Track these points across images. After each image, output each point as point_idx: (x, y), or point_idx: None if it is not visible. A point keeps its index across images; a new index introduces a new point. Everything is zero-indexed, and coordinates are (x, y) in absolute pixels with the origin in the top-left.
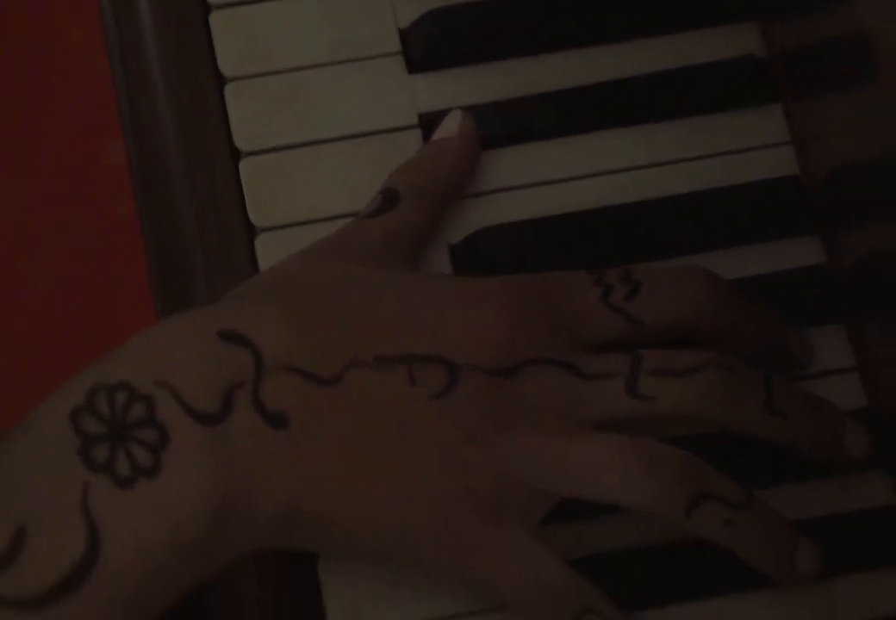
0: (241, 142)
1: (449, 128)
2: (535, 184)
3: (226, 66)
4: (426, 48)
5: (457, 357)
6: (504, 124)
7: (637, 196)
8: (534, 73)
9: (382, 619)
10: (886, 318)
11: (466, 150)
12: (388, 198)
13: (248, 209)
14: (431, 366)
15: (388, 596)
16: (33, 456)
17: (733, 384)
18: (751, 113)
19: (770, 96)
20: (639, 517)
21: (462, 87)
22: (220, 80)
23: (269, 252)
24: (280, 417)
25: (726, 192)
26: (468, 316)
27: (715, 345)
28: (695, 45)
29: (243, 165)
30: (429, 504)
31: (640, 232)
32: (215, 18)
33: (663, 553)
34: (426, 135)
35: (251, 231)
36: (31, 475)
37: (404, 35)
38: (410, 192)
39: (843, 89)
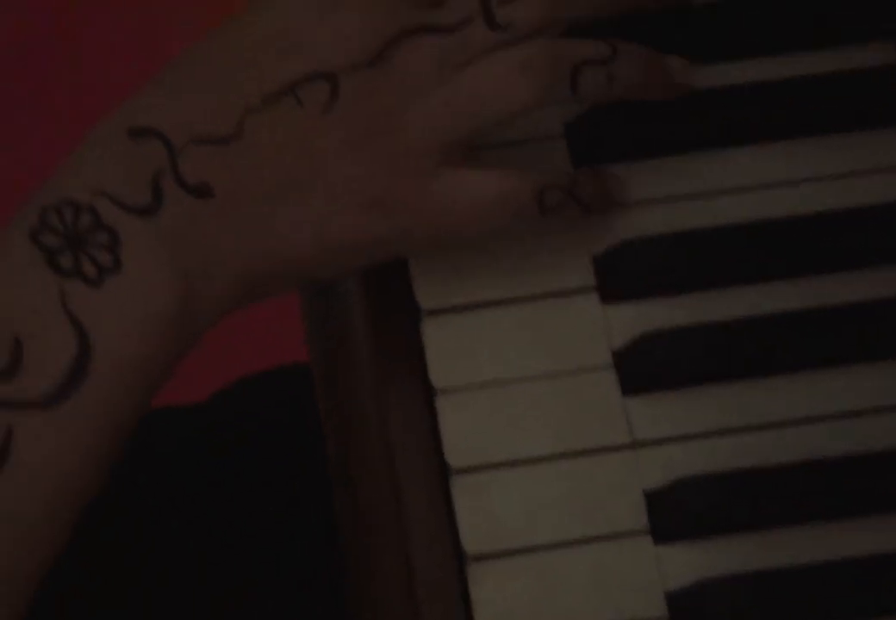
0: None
1: None
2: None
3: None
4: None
5: (330, 64)
6: None
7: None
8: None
9: None
10: None
11: None
12: None
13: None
14: (312, 85)
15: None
16: (10, 277)
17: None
18: None
19: None
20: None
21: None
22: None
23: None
24: (203, 187)
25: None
26: (327, 19)
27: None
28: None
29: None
30: (368, 195)
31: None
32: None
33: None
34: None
35: None
36: (12, 294)
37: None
38: None
39: None
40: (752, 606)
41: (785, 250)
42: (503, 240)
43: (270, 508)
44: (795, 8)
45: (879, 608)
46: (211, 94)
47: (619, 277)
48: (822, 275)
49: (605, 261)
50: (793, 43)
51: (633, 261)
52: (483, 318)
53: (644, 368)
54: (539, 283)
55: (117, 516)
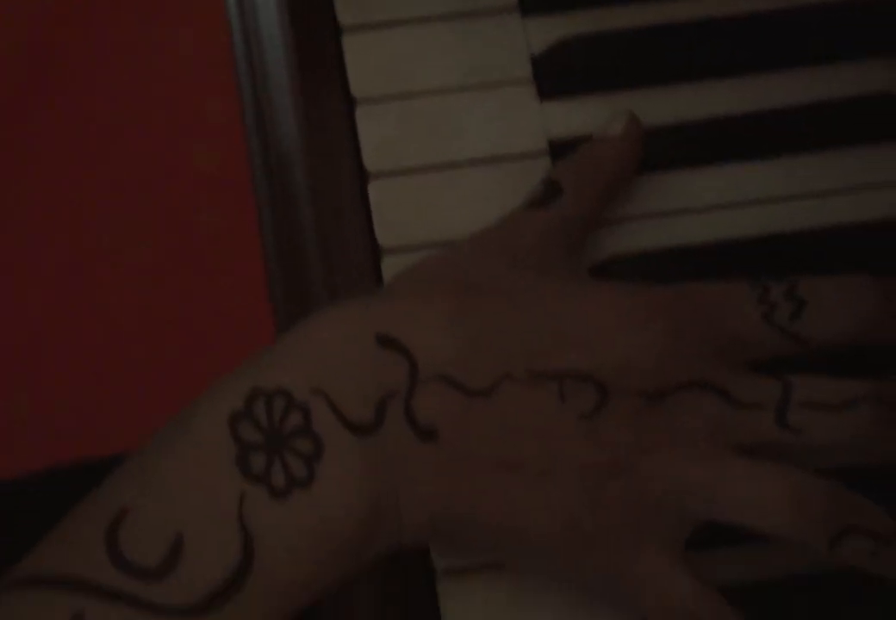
0: (370, 164)
1: (614, 127)
2: (667, 212)
3: (357, 89)
4: (558, 76)
5: (610, 377)
6: None
7: (775, 228)
8: (666, 103)
9: None
10: None
11: (630, 149)
12: (550, 189)
13: (376, 230)
14: (582, 385)
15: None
16: (192, 461)
17: (887, 422)
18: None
19: None
20: (775, 547)
21: (593, 116)
22: (351, 102)
23: (396, 272)
24: (430, 431)
25: (865, 227)
26: (626, 334)
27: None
28: (833, 79)
29: (372, 187)
30: (571, 525)
31: (774, 266)
32: (348, 42)
33: (798, 585)
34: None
35: (377, 253)
36: (189, 481)
37: (537, 62)
38: (573, 186)
39: None
40: None
41: None
42: None
43: None
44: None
45: None
46: (478, 343)
47: None
48: None
49: None
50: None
51: None
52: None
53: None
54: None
55: None
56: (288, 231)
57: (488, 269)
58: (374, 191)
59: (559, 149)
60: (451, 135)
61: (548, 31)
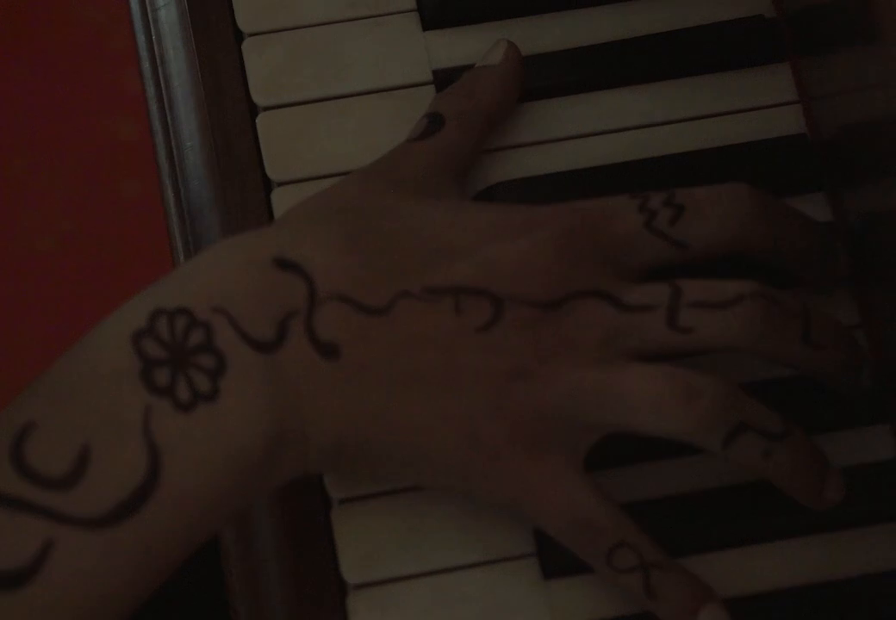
0: (258, 97)
1: (494, 56)
2: (548, 140)
3: (243, 22)
4: (440, 5)
5: (503, 288)
6: None
7: (649, 152)
8: (547, 32)
9: (397, 568)
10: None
11: (510, 77)
12: (433, 122)
13: (265, 163)
14: (477, 299)
15: (403, 544)
16: (96, 377)
17: (772, 317)
18: (761, 72)
19: (779, 56)
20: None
21: (476, 45)
22: (238, 36)
23: (286, 206)
24: (331, 347)
25: (735, 150)
26: (516, 247)
27: (760, 259)
28: (706, 3)
29: (260, 120)
30: (474, 436)
31: (650, 188)
32: None
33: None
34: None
35: (268, 185)
36: (94, 395)
37: None
38: (455, 116)
39: (847, 49)
40: None
41: None
42: None
43: None
44: None
45: None
46: (373, 262)
47: None
48: None
49: None
50: None
51: None
52: None
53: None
54: None
55: None
56: (179, 165)
57: (377, 197)
58: (263, 124)
59: (443, 79)
60: (337, 67)
61: None
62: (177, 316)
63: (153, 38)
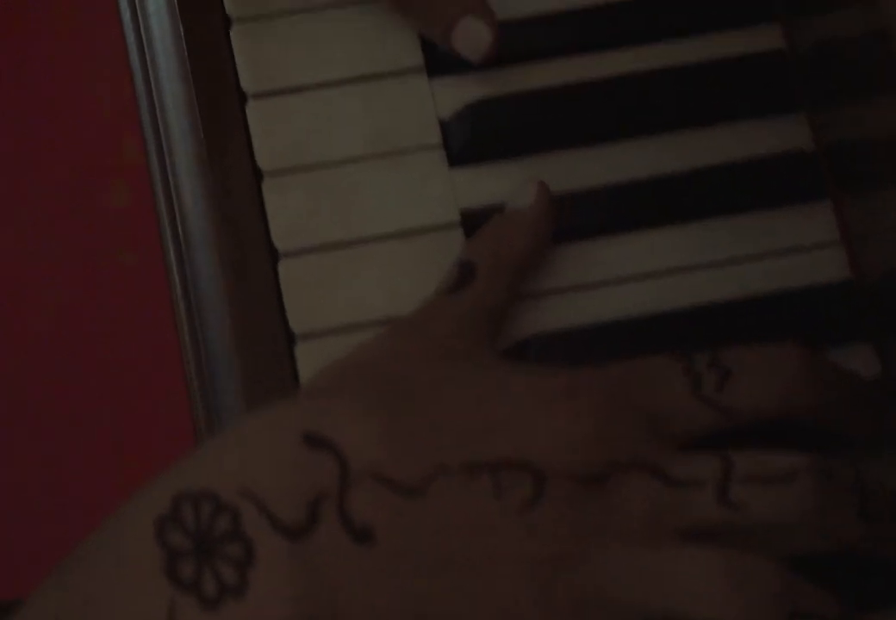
0: (279, 242)
1: (523, 198)
2: (583, 285)
3: (263, 160)
4: (468, 141)
5: (544, 462)
6: None
7: (689, 298)
8: (579, 168)
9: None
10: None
11: (542, 221)
12: (465, 272)
13: (288, 314)
14: (517, 475)
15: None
16: (118, 568)
17: (828, 493)
18: (802, 210)
19: (819, 193)
20: None
21: (506, 182)
22: (258, 175)
23: (311, 360)
24: (365, 532)
25: (777, 298)
26: (555, 416)
27: (808, 420)
28: (746, 137)
29: (282, 267)
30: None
31: (693, 339)
32: (253, 109)
33: None
34: (468, 234)
35: (291, 338)
36: (115, 594)
37: (445, 127)
38: (487, 265)
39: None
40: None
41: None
42: None
43: None
44: None
45: None
46: (407, 435)
47: None
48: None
49: None
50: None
51: None
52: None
53: None
54: None
55: None
56: (200, 316)
57: (408, 362)
58: (285, 271)
59: (472, 219)
60: (359, 208)
61: (456, 93)
62: (202, 501)
63: (168, 183)
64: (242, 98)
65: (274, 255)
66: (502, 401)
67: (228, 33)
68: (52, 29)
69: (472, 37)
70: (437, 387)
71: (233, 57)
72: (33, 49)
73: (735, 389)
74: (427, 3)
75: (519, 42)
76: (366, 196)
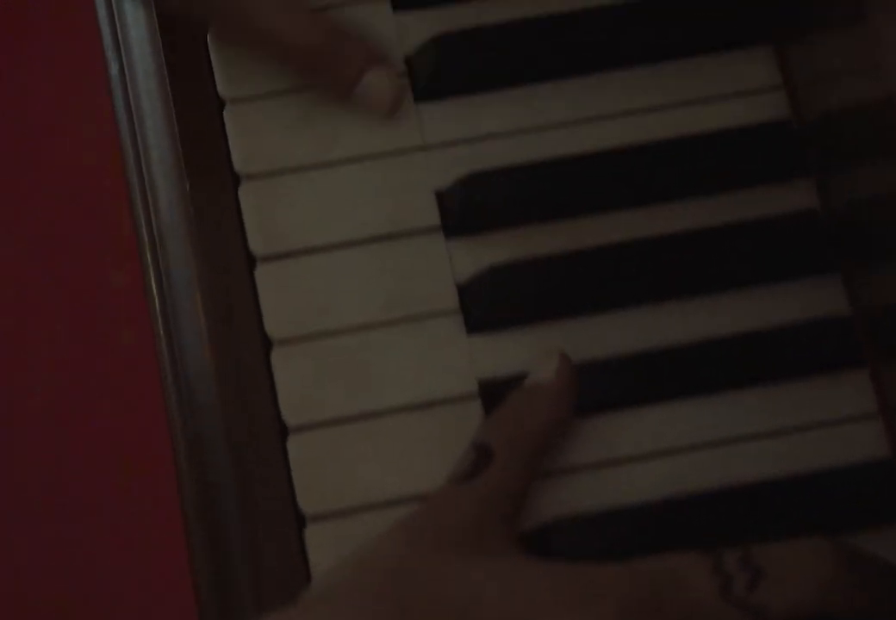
0: (288, 416)
1: (544, 371)
2: (606, 462)
3: (273, 327)
4: (487, 306)
5: None
6: None
7: (724, 476)
8: (603, 334)
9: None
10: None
11: (563, 396)
12: (480, 456)
13: (297, 494)
14: None
15: None
16: None
17: None
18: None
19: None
20: None
21: (526, 350)
22: (267, 342)
23: (322, 545)
24: None
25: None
26: None
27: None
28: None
29: (292, 444)
30: None
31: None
32: (261, 273)
33: None
34: (487, 406)
35: (301, 518)
36: None
37: (462, 291)
38: (504, 447)
39: None
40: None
41: None
42: None
43: None
44: None
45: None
46: None
47: None
48: None
49: None
50: None
51: None
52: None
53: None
54: None
55: None
56: (209, 497)
57: (422, 559)
58: (294, 448)
59: (490, 390)
60: (371, 379)
61: (474, 255)
62: None
63: (175, 353)
64: (251, 261)
65: (283, 429)
66: (520, 602)
67: (237, 193)
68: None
69: (376, 91)
70: (451, 585)
71: (241, 216)
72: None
73: (767, 589)
74: (329, 63)
75: (535, 204)
76: (378, 365)
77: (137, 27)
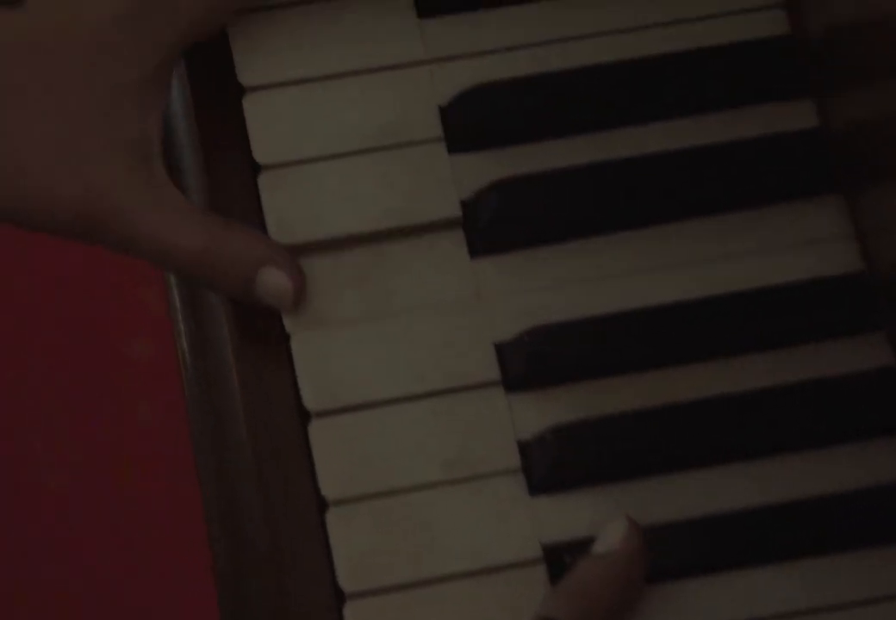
0: (346, 583)
1: (611, 538)
2: None
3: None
4: (550, 467)
5: None
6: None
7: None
8: (673, 495)
9: None
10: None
11: (632, 567)
12: None
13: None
14: None
15: None
16: None
17: None
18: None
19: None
20: None
21: (591, 512)
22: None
23: None
24: None
25: None
26: None
27: None
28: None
29: (348, 610)
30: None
31: None
32: (316, 429)
33: None
34: (553, 574)
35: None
36: None
37: (525, 450)
38: None
39: None
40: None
41: None
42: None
43: None
44: None
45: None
46: None
47: None
48: None
49: None
50: None
51: None
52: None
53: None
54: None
55: None
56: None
57: None
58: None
59: (555, 555)
60: (432, 542)
61: (536, 410)
62: None
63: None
64: (285, 337)
65: (340, 594)
66: None
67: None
68: None
69: (273, 289)
70: None
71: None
72: None
73: None
74: (223, 267)
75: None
76: (439, 528)
77: None
